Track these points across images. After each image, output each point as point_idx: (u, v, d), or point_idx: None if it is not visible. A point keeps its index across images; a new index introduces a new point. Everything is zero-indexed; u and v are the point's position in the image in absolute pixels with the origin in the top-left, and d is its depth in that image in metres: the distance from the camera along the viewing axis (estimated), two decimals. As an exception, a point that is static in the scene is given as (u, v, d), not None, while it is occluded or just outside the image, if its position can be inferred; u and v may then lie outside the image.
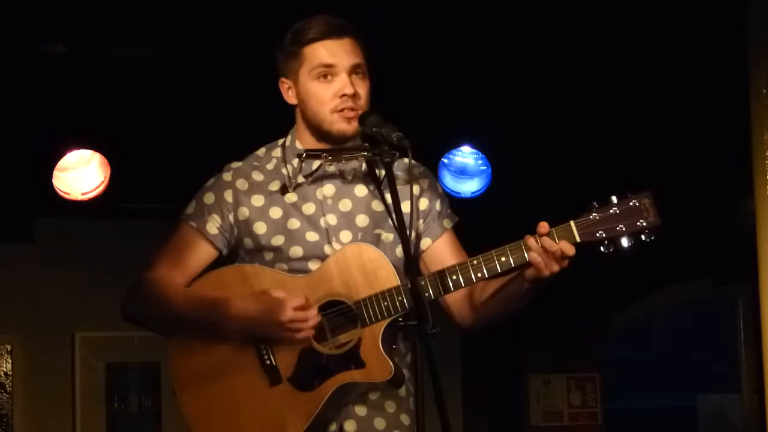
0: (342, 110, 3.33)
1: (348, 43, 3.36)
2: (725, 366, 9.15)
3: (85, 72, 5.70)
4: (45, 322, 6.76)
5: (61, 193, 5.88)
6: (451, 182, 6.34)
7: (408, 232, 3.20)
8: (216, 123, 5.87)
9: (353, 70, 3.35)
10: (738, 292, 7.97)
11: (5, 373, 6.79)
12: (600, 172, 6.50)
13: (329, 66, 3.34)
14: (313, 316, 3.24)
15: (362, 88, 3.36)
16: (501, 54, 5.90)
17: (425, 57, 5.82)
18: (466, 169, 6.40)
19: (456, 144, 6.33)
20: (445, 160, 6.34)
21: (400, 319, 3.26)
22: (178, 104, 5.88)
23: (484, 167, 6.38)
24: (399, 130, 3.22)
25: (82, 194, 5.94)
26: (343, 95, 3.33)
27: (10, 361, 6.79)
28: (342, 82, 3.33)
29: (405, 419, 3.39)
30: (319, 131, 3.38)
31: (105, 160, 5.90)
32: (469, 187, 6.40)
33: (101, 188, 5.93)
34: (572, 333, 7.50)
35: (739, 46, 4.78)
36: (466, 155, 6.39)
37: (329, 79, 3.34)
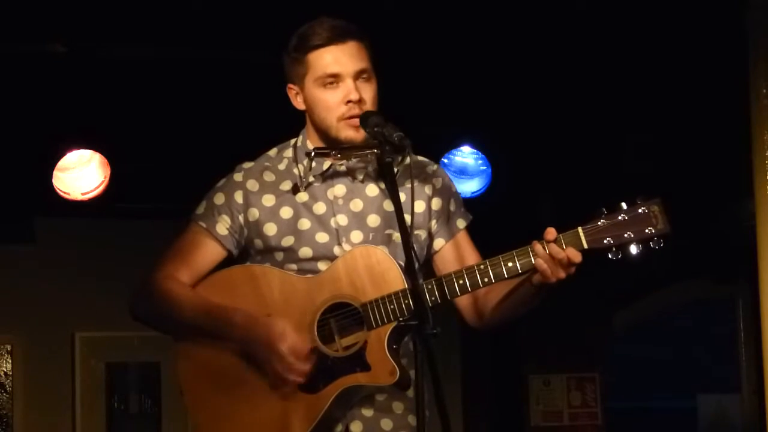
0: (349, 118, 3.33)
1: (352, 47, 3.35)
2: (725, 366, 9.14)
3: (85, 72, 5.70)
4: (45, 322, 6.76)
5: (61, 193, 5.88)
6: (451, 182, 6.33)
7: (409, 233, 3.19)
8: (216, 123, 5.87)
9: (358, 75, 3.34)
10: (738, 292, 7.97)
11: (5, 373, 6.78)
12: (600, 172, 6.50)
13: (334, 74, 3.33)
14: (305, 367, 3.23)
15: (368, 93, 3.35)
16: (501, 54, 5.90)
17: (425, 57, 5.82)
18: (466, 169, 6.40)
19: (456, 144, 6.33)
20: (445, 160, 6.34)
21: (401, 319, 3.26)
22: (179, 104, 5.88)
23: (484, 167, 6.38)
24: (400, 129, 3.22)
25: (82, 194, 5.94)
26: (349, 101, 3.33)
27: (10, 361, 6.78)
28: (347, 89, 3.33)
29: (412, 420, 3.39)
30: (327, 137, 3.38)
31: (105, 160, 5.90)
32: (469, 187, 6.39)
33: (101, 188, 5.93)
34: (572, 333, 7.50)
35: (739, 46, 4.77)
36: (466, 155, 6.39)
37: (335, 85, 3.34)
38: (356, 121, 3.32)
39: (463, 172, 6.39)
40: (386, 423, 3.36)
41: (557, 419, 7.58)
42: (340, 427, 3.33)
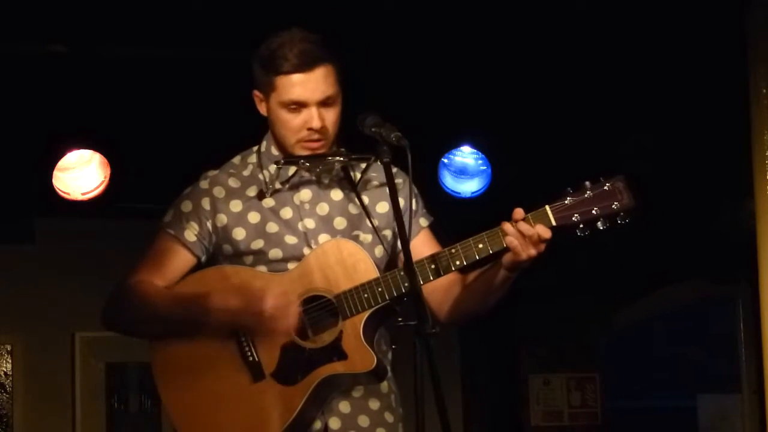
0: (306, 141, 3.38)
1: (320, 73, 3.36)
2: (725, 366, 9.14)
3: (85, 72, 5.70)
4: (45, 322, 6.76)
5: (61, 193, 5.88)
6: (451, 182, 6.34)
7: (408, 232, 3.22)
8: (216, 123, 5.86)
9: (322, 103, 3.38)
10: (738, 292, 7.97)
11: (5, 373, 6.79)
12: (600, 172, 6.49)
13: (299, 102, 3.37)
14: (293, 308, 3.27)
15: (330, 118, 3.39)
16: (501, 54, 5.90)
17: (425, 57, 5.82)
18: (466, 169, 6.40)
19: (456, 144, 6.33)
20: (445, 160, 6.34)
21: (400, 319, 3.28)
22: (178, 104, 5.88)
23: (484, 167, 6.38)
24: (398, 129, 3.24)
25: (82, 194, 5.94)
26: (310, 128, 3.37)
27: (10, 361, 6.79)
28: (309, 115, 3.37)
29: (389, 417, 3.43)
30: (285, 151, 3.44)
31: (105, 160, 5.91)
32: (469, 187, 6.39)
33: (101, 188, 5.94)
34: (572, 333, 7.50)
35: (739, 46, 4.78)
36: (466, 155, 6.39)
37: (298, 110, 3.37)
38: (313, 144, 3.37)
39: (463, 172, 6.39)
40: (363, 419, 3.39)
41: (557, 419, 7.59)
42: (318, 424, 3.35)
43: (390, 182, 3.22)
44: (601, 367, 7.71)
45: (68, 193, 5.92)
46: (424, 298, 3.21)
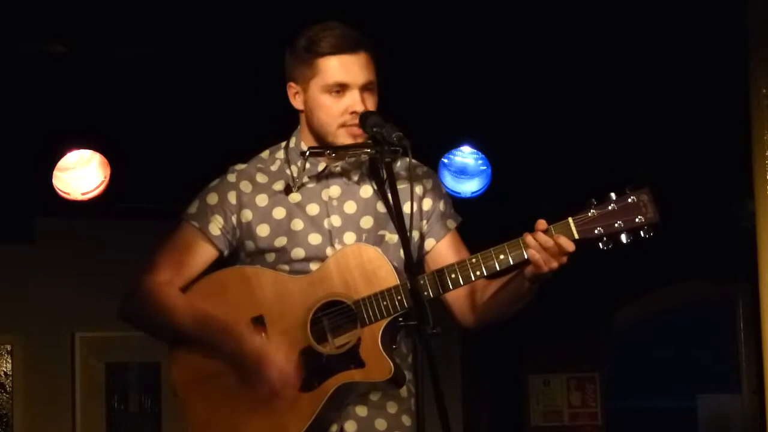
0: (350, 126, 3.34)
1: (362, 57, 3.35)
2: (725, 366, 9.15)
3: (85, 72, 5.70)
4: (45, 322, 6.75)
5: (61, 193, 5.88)
6: (451, 182, 6.34)
7: (408, 233, 3.20)
8: (216, 123, 5.87)
9: (365, 87, 3.35)
10: (738, 292, 7.97)
11: (5, 373, 6.78)
12: (600, 172, 6.51)
13: (343, 84, 3.33)
14: (292, 393, 3.26)
15: (371, 105, 3.36)
16: (501, 54, 5.90)
17: (425, 57, 5.82)
18: (466, 169, 6.40)
19: (456, 144, 6.33)
20: (445, 160, 6.34)
21: (401, 319, 3.27)
22: (178, 104, 5.88)
23: (484, 167, 6.38)
24: (399, 130, 3.23)
25: (82, 194, 5.94)
26: (353, 112, 3.33)
27: (10, 361, 6.78)
28: (353, 99, 3.34)
29: (406, 420, 3.40)
30: (323, 141, 3.39)
31: (105, 160, 5.90)
32: (469, 187, 6.39)
33: (101, 188, 5.93)
34: (572, 333, 7.50)
35: (739, 46, 4.77)
36: (466, 155, 6.39)
37: (341, 94, 3.34)
38: (355, 129, 3.33)
39: (463, 172, 6.39)
40: (380, 423, 3.37)
41: (557, 419, 7.59)
42: (335, 427, 3.34)
43: (391, 181, 3.21)
44: (601, 367, 7.71)
45: (68, 193, 5.91)
46: (424, 300, 3.21)
